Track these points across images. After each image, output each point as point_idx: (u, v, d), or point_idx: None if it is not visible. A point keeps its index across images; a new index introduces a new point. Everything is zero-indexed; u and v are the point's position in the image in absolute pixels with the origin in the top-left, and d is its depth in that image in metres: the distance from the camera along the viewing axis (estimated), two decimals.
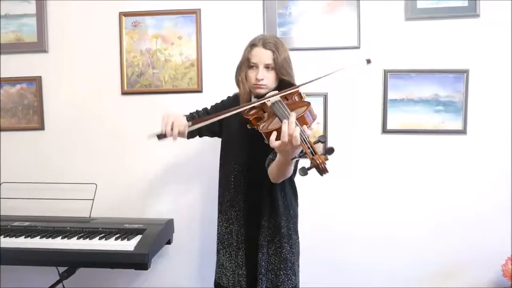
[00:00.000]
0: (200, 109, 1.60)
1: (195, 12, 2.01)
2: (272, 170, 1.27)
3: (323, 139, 1.05)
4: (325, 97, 1.98)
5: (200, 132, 1.56)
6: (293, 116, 1.07)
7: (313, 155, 1.02)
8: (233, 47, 2.02)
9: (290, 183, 1.47)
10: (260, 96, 1.38)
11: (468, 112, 1.94)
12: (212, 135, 1.60)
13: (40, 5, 2.07)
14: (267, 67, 1.36)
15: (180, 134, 1.30)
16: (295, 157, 1.07)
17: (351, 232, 2.02)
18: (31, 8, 2.08)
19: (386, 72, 1.96)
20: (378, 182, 2.01)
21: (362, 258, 2.02)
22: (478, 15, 1.92)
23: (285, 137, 1.05)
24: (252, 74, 1.38)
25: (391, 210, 2.00)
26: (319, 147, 1.05)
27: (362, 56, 1.97)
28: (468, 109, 1.94)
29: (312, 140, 1.06)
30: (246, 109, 1.29)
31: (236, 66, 1.46)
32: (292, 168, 1.25)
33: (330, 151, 1.01)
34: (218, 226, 1.54)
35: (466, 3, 1.92)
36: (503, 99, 1.94)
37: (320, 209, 1.99)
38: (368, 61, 1.33)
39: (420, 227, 1.99)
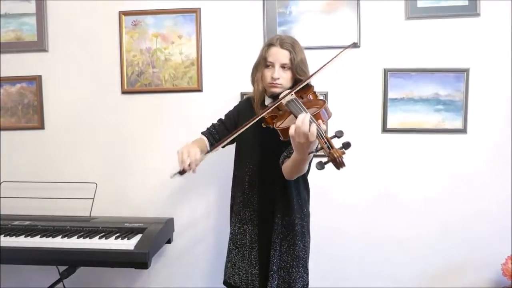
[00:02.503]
0: (215, 121, 1.60)
1: (195, 11, 2.01)
2: (287, 166, 1.28)
3: (340, 134, 1.04)
4: (325, 96, 1.98)
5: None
6: (308, 113, 1.07)
7: (329, 149, 1.01)
8: (233, 46, 2.02)
9: (304, 181, 1.48)
10: (274, 95, 1.39)
11: (468, 111, 1.94)
12: (232, 142, 1.57)
13: (40, 4, 2.06)
14: (283, 66, 1.37)
15: (197, 166, 1.30)
16: (312, 152, 1.06)
17: (350, 232, 2.02)
18: (31, 7, 2.07)
19: (386, 71, 1.96)
20: (378, 181, 2.00)
21: (361, 258, 2.02)
22: (478, 14, 1.91)
23: (299, 131, 1.04)
24: (268, 73, 1.39)
25: (391, 210, 2.00)
26: (336, 142, 1.05)
27: (363, 55, 1.97)
28: (468, 108, 1.94)
29: (329, 135, 1.05)
30: (259, 108, 1.28)
31: (253, 65, 1.47)
32: (307, 164, 1.25)
33: (347, 145, 1.00)
34: (230, 226, 1.55)
35: (466, 2, 1.91)
36: (503, 98, 1.94)
37: (320, 208, 1.98)
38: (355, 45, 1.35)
39: (420, 226, 1.99)
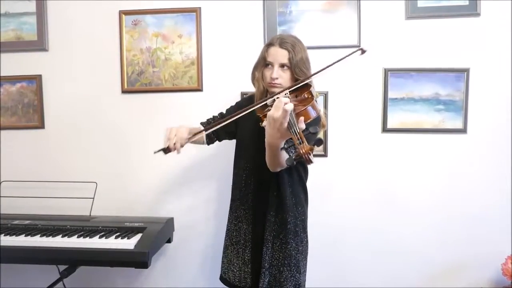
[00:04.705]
0: (216, 114, 1.63)
1: (195, 11, 2.01)
2: (266, 156, 1.26)
3: (313, 130, 1.04)
4: (326, 96, 1.98)
5: (218, 136, 1.59)
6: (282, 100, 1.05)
7: (299, 145, 1.01)
8: (234, 46, 2.02)
9: (300, 182, 1.48)
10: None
11: (468, 111, 1.94)
12: (230, 137, 1.60)
13: (40, 3, 2.06)
14: (282, 66, 1.36)
15: (182, 146, 1.34)
16: (283, 148, 1.06)
17: (350, 231, 2.02)
18: (31, 6, 2.07)
19: (386, 71, 1.96)
20: (378, 181, 2.00)
21: (361, 258, 2.02)
22: (478, 14, 1.91)
23: (269, 117, 1.04)
24: (267, 72, 1.38)
25: (391, 210, 2.00)
26: (310, 138, 1.04)
27: (363, 55, 1.96)
28: (468, 108, 1.94)
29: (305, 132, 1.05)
30: (258, 107, 1.28)
31: (253, 65, 1.46)
32: (281, 156, 1.20)
33: (317, 142, 0.99)
34: (228, 222, 1.56)
35: (466, 2, 1.91)
36: (503, 98, 1.94)
37: (319, 208, 1.99)
38: (362, 51, 1.35)
39: (420, 226, 1.99)
